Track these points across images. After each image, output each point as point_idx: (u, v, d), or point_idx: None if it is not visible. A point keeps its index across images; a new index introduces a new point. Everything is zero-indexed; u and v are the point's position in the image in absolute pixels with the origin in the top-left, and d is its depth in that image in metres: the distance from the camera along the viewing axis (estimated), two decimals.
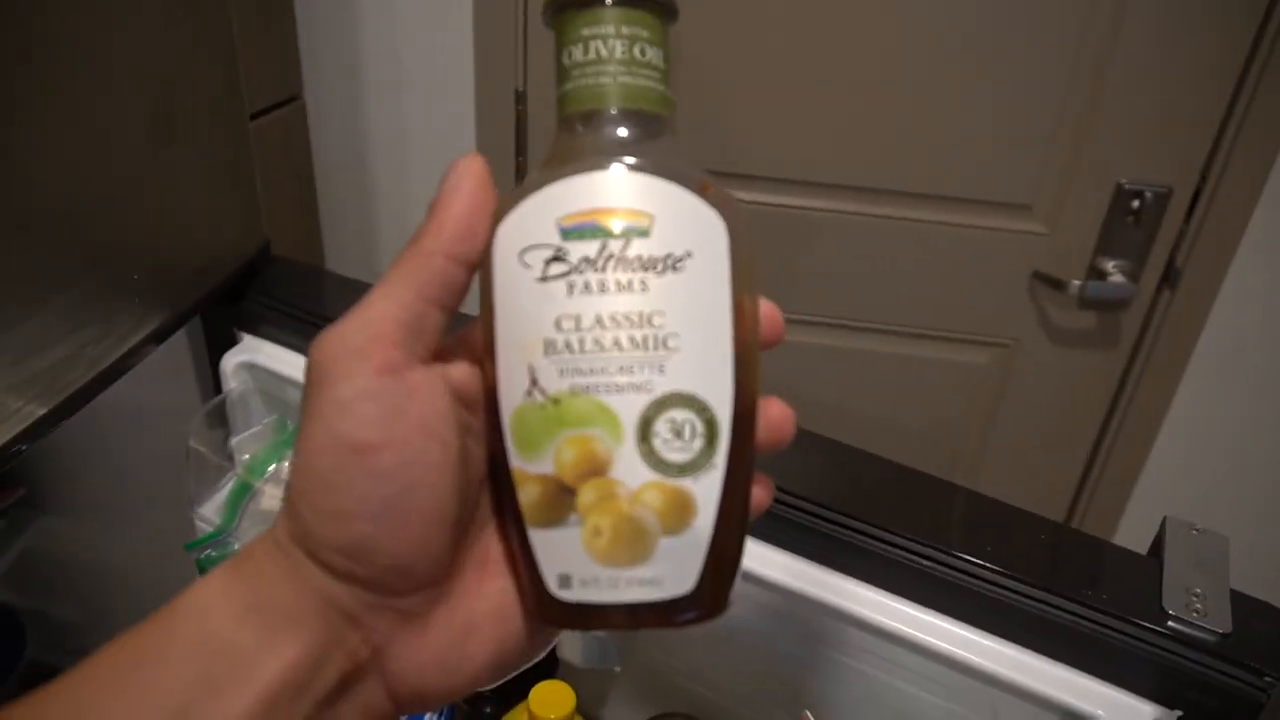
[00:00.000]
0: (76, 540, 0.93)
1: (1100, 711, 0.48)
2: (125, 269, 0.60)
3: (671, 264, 0.23)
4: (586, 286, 0.23)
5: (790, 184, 1.06)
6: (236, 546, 0.69)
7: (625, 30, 0.24)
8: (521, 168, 1.09)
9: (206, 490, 0.71)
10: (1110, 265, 1.05)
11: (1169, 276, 1.05)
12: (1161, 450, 1.14)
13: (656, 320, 0.23)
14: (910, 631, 0.52)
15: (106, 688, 0.22)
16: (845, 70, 0.99)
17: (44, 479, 0.90)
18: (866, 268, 1.09)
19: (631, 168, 0.24)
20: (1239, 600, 0.48)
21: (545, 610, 0.25)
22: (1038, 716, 0.51)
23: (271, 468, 0.67)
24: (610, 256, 0.23)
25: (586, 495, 0.24)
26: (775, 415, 0.26)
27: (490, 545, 0.26)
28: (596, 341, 0.23)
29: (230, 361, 0.69)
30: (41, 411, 0.54)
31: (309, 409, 0.23)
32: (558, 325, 0.23)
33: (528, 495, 0.24)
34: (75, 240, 0.55)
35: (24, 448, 0.53)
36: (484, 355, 0.25)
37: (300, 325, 0.69)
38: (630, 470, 0.23)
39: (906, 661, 0.56)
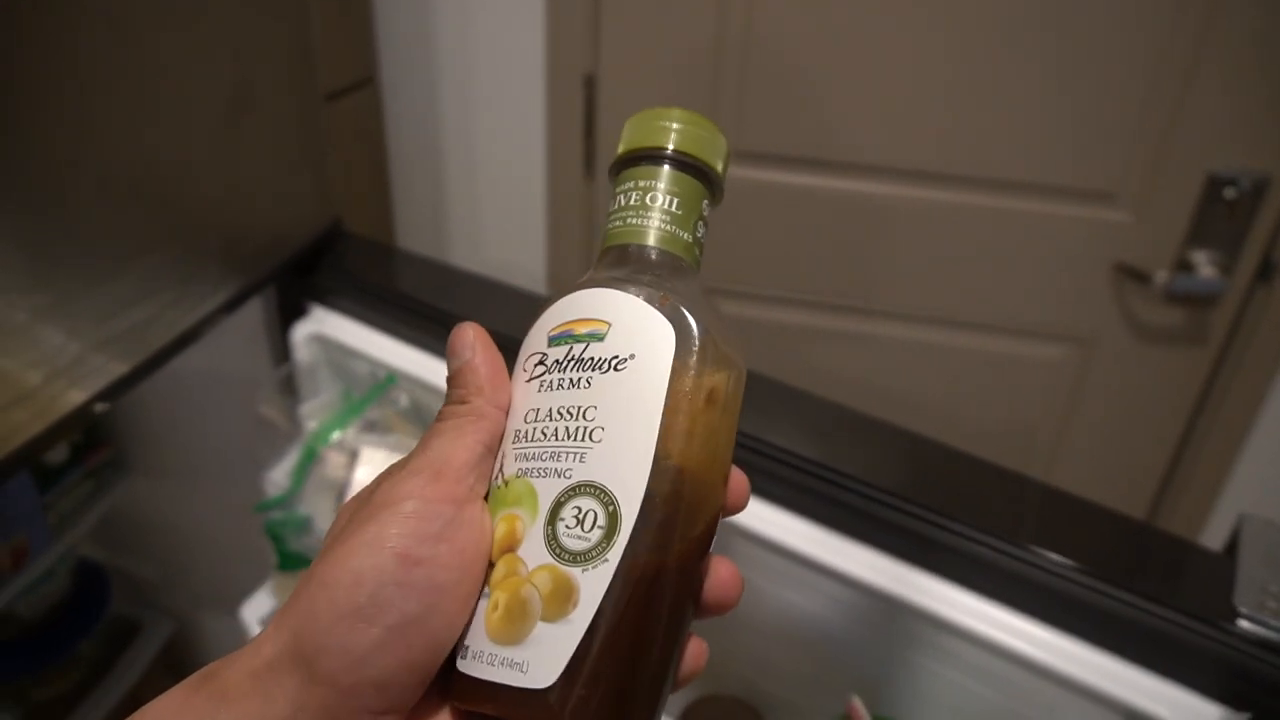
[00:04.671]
0: (159, 500, 0.98)
1: (1164, 711, 0.46)
2: (203, 238, 0.62)
3: (614, 365, 0.25)
4: (549, 384, 0.26)
5: (866, 169, 1.03)
6: (302, 510, 0.71)
7: (664, 186, 0.28)
8: (589, 152, 1.10)
9: (275, 455, 0.73)
10: (1200, 258, 0.99)
11: (1265, 271, 0.99)
12: (1253, 452, 1.08)
13: (589, 414, 0.25)
14: (970, 622, 0.51)
15: None
16: (921, 48, 0.96)
17: (131, 440, 0.95)
18: (940, 257, 1.06)
19: (608, 283, 0.26)
20: None
21: (446, 682, 0.25)
22: (1097, 716, 0.49)
23: (335, 435, 0.69)
24: (572, 359, 0.26)
25: (498, 570, 0.25)
26: (725, 575, 0.26)
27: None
28: (543, 431, 0.25)
29: (300, 332, 0.71)
30: (123, 370, 0.57)
31: (365, 516, 0.24)
32: (525, 418, 0.26)
33: None
34: (156, 207, 0.58)
35: (107, 404, 0.56)
36: None
37: (368, 299, 0.71)
38: (533, 550, 0.24)
39: (963, 653, 0.55)
